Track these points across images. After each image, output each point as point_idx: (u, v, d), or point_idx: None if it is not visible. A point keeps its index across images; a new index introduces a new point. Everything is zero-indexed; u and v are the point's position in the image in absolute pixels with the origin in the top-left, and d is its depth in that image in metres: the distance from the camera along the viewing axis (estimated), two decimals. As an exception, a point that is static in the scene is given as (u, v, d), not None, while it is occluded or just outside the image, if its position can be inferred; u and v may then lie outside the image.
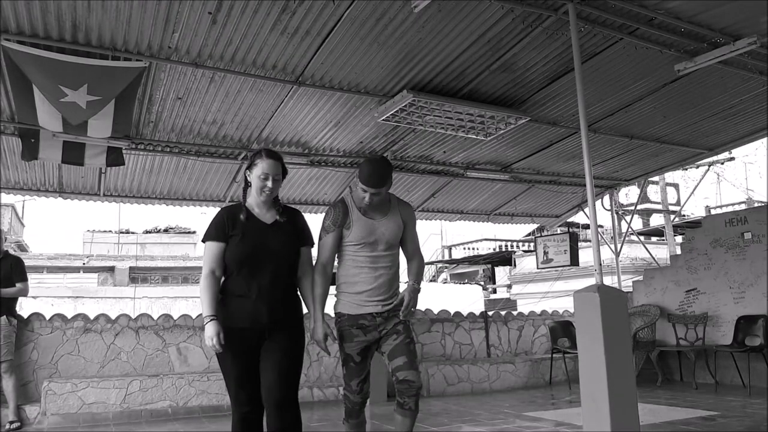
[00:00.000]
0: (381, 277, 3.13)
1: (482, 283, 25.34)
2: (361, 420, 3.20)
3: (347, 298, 3.15)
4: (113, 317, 6.57)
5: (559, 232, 11.76)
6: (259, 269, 2.83)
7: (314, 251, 3.18)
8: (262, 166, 2.90)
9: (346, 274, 3.17)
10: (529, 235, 24.42)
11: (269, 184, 2.89)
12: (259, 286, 2.82)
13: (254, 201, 2.97)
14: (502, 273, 25.70)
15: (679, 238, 15.68)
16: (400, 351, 3.06)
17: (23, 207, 26.09)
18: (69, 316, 6.48)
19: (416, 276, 3.23)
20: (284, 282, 2.91)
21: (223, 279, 2.90)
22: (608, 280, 5.69)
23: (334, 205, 3.26)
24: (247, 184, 2.98)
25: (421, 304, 8.46)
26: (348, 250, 3.16)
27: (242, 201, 2.98)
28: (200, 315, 6.91)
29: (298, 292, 3.05)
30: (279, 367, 2.79)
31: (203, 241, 2.92)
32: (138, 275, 25.72)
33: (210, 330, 2.74)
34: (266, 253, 2.85)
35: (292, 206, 3.21)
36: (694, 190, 19.83)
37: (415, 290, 3.13)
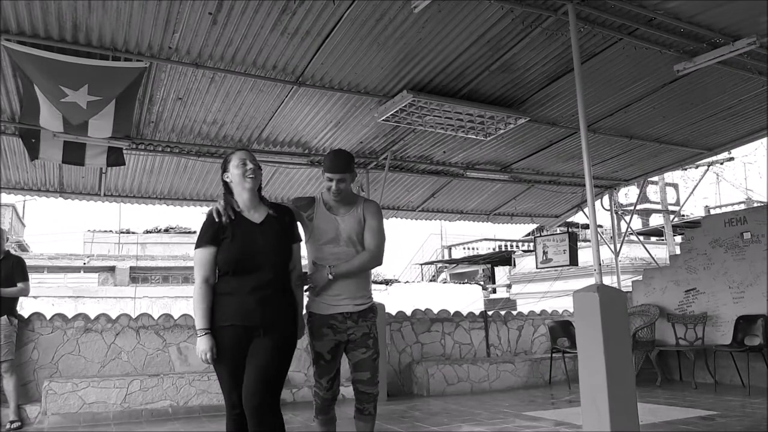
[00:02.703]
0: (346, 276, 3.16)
1: (482, 282, 25.34)
2: (331, 417, 3.26)
3: (318, 297, 3.18)
4: (114, 317, 6.58)
5: (558, 232, 11.77)
6: (251, 269, 2.81)
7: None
8: (235, 157, 2.93)
9: (314, 274, 3.20)
10: (528, 235, 24.42)
11: (249, 166, 2.90)
12: (251, 284, 2.79)
13: (241, 202, 2.93)
14: (501, 273, 25.70)
15: (678, 238, 15.68)
16: (366, 366, 3.16)
17: (24, 207, 26.08)
18: (69, 316, 6.49)
19: (347, 266, 3.11)
20: (276, 280, 2.88)
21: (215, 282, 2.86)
22: (608, 280, 5.69)
23: (304, 196, 3.40)
24: (229, 191, 2.94)
25: (421, 304, 8.55)
26: (312, 248, 3.22)
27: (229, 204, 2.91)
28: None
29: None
30: (262, 372, 2.74)
31: (195, 248, 2.86)
32: (138, 275, 25.70)
33: (203, 344, 2.73)
34: (257, 252, 2.82)
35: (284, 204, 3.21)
36: (693, 190, 19.87)
37: (322, 278, 3.10)
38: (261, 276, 2.81)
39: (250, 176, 2.89)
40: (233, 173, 2.91)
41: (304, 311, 3.16)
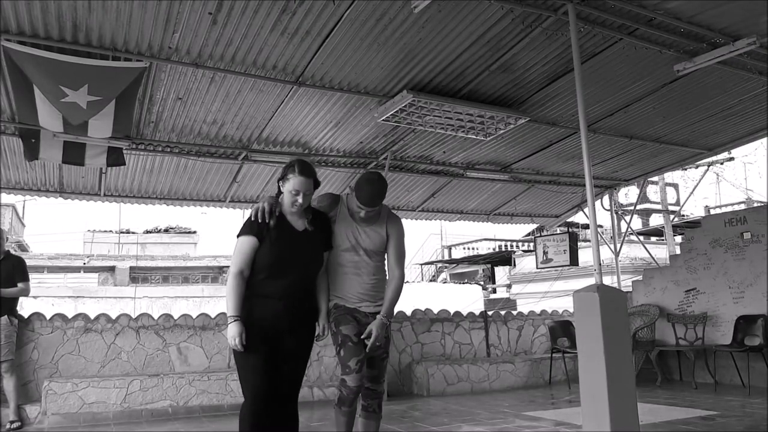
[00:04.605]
0: (366, 284, 3.27)
1: (482, 282, 25.33)
2: (353, 409, 3.28)
3: (340, 300, 3.30)
4: (114, 317, 6.57)
5: (558, 232, 11.76)
6: (287, 274, 2.96)
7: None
8: (293, 182, 2.99)
9: (333, 278, 3.29)
10: (528, 235, 24.40)
11: (300, 199, 2.99)
12: (284, 289, 2.95)
13: (286, 208, 3.05)
14: (501, 273, 25.69)
15: (678, 238, 15.67)
16: (374, 364, 3.27)
17: (24, 207, 26.09)
18: (69, 316, 6.49)
19: (389, 305, 3.28)
20: (308, 286, 3.09)
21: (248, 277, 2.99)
22: (608, 280, 5.70)
23: (330, 194, 3.44)
24: (280, 191, 3.08)
25: (421, 304, 8.54)
26: (332, 253, 3.29)
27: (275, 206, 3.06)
28: (200, 315, 6.96)
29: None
30: (296, 368, 3.07)
31: (238, 236, 2.99)
32: (138, 275, 25.70)
33: (233, 330, 2.85)
34: (295, 260, 2.98)
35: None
36: (693, 190, 19.85)
37: (383, 325, 3.23)
38: (292, 282, 2.98)
39: (297, 206, 3.01)
40: (285, 194, 3.02)
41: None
